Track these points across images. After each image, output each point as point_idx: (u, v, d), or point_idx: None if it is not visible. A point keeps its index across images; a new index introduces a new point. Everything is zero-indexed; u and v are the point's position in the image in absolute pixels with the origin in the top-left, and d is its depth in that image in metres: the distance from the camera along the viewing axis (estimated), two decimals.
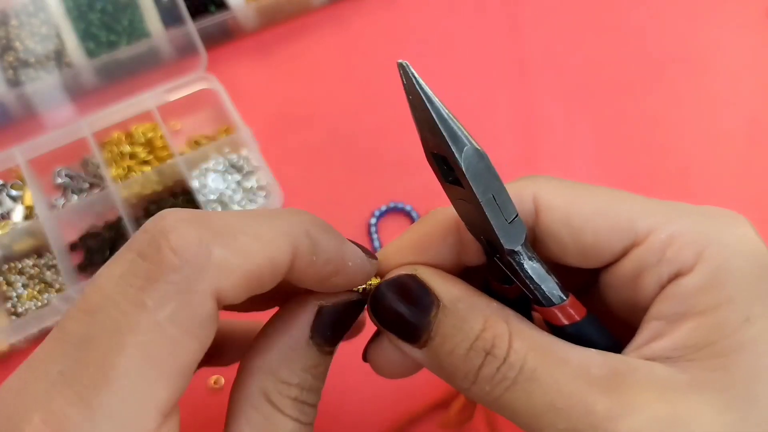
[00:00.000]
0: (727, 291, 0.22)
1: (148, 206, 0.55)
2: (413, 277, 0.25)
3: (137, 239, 0.21)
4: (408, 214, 0.55)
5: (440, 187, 0.25)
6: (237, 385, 0.24)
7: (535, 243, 0.26)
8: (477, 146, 0.23)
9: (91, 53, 0.58)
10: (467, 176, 0.23)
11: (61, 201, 0.56)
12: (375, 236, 0.54)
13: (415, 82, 0.23)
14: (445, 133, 0.23)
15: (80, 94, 0.58)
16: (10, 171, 0.56)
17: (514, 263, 0.24)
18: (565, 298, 0.24)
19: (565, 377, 0.22)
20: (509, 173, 0.60)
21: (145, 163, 0.57)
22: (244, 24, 0.62)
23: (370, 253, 0.26)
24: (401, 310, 0.24)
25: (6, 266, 0.52)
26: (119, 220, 0.54)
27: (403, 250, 0.27)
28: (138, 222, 0.54)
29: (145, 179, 0.54)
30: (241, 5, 0.60)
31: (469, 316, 0.23)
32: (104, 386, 0.18)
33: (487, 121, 0.60)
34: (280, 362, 0.24)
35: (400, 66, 0.23)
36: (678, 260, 0.22)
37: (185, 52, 0.58)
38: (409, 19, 0.65)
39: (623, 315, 0.26)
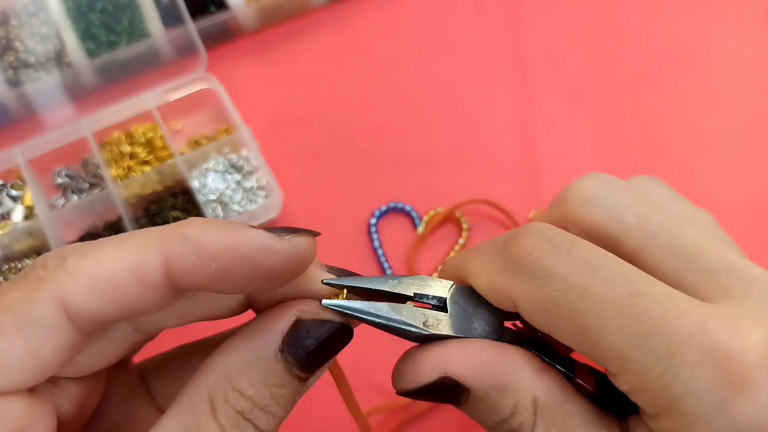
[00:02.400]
0: None
1: (148, 206, 0.55)
2: (445, 379, 0.24)
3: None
4: (408, 214, 0.55)
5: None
6: (188, 383, 0.22)
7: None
8: (421, 330, 0.24)
9: (91, 53, 0.58)
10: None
11: (61, 201, 0.56)
12: (375, 236, 0.54)
13: (350, 315, 0.24)
14: (397, 334, 0.24)
15: (80, 94, 0.58)
16: (10, 171, 0.56)
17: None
18: (571, 375, 0.25)
19: None
20: (509, 173, 0.60)
21: (145, 163, 0.57)
22: (244, 24, 0.62)
23: (301, 231, 0.22)
24: (438, 399, 0.25)
25: (6, 266, 0.52)
26: (119, 220, 0.54)
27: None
28: (138, 222, 0.54)
29: (145, 179, 0.54)
30: (241, 5, 0.60)
31: (499, 401, 0.24)
32: None
33: (487, 121, 0.60)
34: (240, 367, 0.22)
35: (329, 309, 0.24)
36: (642, 406, 0.22)
37: (185, 52, 0.58)
38: (409, 19, 0.65)
39: None
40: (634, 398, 0.22)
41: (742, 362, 0.20)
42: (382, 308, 0.24)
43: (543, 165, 0.58)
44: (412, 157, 0.58)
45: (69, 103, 0.57)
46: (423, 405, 0.48)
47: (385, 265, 0.53)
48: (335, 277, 0.25)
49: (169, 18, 0.59)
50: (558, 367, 0.25)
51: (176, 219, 0.53)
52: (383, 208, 0.55)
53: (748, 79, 0.62)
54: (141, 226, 0.53)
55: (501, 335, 0.25)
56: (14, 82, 0.56)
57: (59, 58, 0.57)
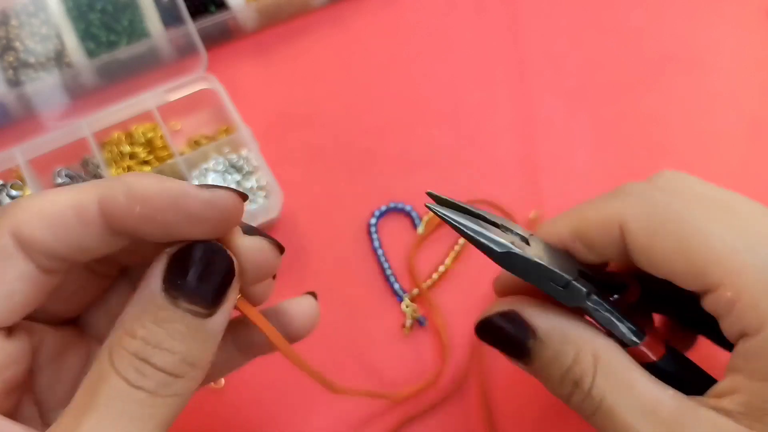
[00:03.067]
0: None
1: None
2: (512, 312, 0.28)
3: None
4: (408, 214, 0.55)
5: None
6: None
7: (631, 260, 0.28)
8: (506, 247, 0.26)
9: (91, 53, 0.58)
10: (509, 272, 0.27)
11: None
12: (375, 236, 0.54)
13: (442, 217, 0.27)
14: (476, 245, 0.27)
15: (80, 94, 0.58)
16: (10, 171, 0.56)
17: (584, 312, 0.27)
18: (637, 341, 0.27)
19: (635, 416, 0.25)
20: (509, 173, 0.60)
21: (145, 163, 0.57)
22: (244, 24, 0.62)
23: (218, 188, 0.24)
24: (503, 340, 0.28)
25: None
26: None
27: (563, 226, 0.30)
28: None
29: None
30: (241, 5, 0.60)
31: (562, 349, 0.26)
32: None
33: (487, 121, 0.60)
34: (132, 315, 0.22)
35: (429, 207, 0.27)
36: (742, 321, 0.23)
37: (185, 52, 0.58)
38: (409, 19, 0.65)
39: None
40: (735, 312, 0.23)
41: None
42: (475, 223, 0.27)
43: (543, 165, 0.58)
44: (412, 157, 0.58)
45: (69, 103, 0.57)
46: (423, 401, 0.48)
47: (385, 265, 0.53)
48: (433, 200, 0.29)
49: (169, 18, 0.59)
50: (629, 324, 0.27)
51: None
52: (383, 208, 0.55)
53: (748, 79, 0.62)
54: None
55: (576, 278, 0.27)
56: (14, 82, 0.56)
57: (59, 58, 0.57)
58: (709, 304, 0.24)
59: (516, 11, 0.65)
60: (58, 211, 0.22)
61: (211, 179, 0.55)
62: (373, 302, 0.52)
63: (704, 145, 0.59)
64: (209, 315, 0.22)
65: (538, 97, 0.61)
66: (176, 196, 0.22)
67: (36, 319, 0.26)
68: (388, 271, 0.52)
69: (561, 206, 0.57)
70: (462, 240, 0.54)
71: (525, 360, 0.28)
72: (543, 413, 0.48)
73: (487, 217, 0.28)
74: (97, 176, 0.56)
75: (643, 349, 0.27)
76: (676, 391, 0.25)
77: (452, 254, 0.53)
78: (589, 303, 0.27)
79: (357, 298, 0.52)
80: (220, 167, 0.55)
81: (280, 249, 0.27)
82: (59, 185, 0.56)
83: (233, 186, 0.55)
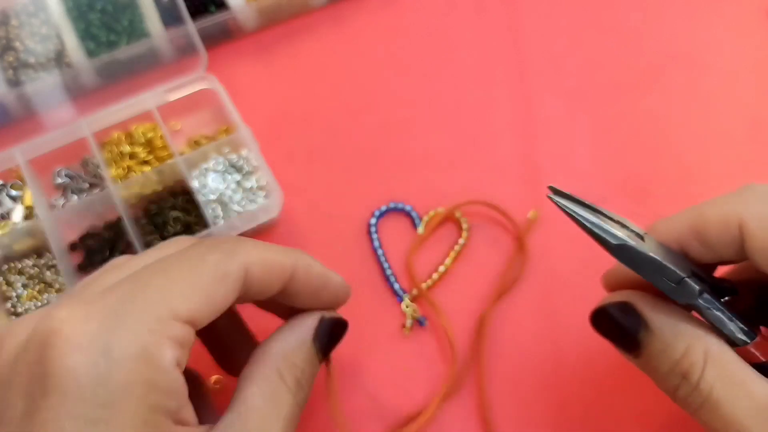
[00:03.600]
0: None
1: (148, 206, 0.55)
2: (626, 304, 0.29)
3: None
4: (408, 214, 0.55)
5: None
6: (251, 364, 0.32)
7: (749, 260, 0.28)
8: (622, 240, 0.27)
9: (91, 53, 0.58)
10: (625, 266, 0.28)
11: (61, 201, 0.56)
12: (375, 236, 0.54)
13: (563, 208, 0.28)
14: (594, 237, 0.28)
15: (80, 94, 0.58)
16: (10, 171, 0.56)
17: (694, 309, 0.28)
18: (748, 340, 0.27)
19: (744, 411, 0.25)
20: (509, 173, 0.60)
21: (145, 163, 0.57)
22: (244, 24, 0.62)
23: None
24: (616, 329, 0.30)
25: (6, 266, 0.52)
26: (119, 220, 0.54)
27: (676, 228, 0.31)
28: (138, 222, 0.54)
29: (145, 179, 0.54)
30: (241, 5, 0.60)
31: (672, 342, 0.27)
32: (159, 275, 0.28)
33: (487, 121, 0.60)
34: (291, 350, 0.32)
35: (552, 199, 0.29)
36: None
37: (185, 52, 0.58)
38: (409, 19, 0.65)
39: None
40: None
41: None
42: (594, 216, 0.28)
43: (543, 165, 0.58)
44: (412, 157, 0.58)
45: (69, 103, 0.57)
46: (421, 402, 0.47)
47: (385, 265, 0.53)
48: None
49: (169, 18, 0.59)
50: (739, 324, 0.27)
51: (176, 219, 0.53)
52: (383, 208, 0.55)
53: (748, 79, 0.62)
54: (141, 227, 0.53)
55: (689, 276, 0.28)
56: (14, 82, 0.56)
57: (59, 58, 0.57)
58: None
59: (516, 11, 0.65)
60: (270, 261, 0.31)
61: (211, 179, 0.55)
62: (373, 302, 0.52)
63: (704, 145, 0.59)
64: (322, 360, 0.35)
65: (538, 97, 0.61)
66: (341, 281, 0.36)
67: None
68: (388, 272, 0.53)
69: None
70: (462, 240, 0.54)
71: (635, 351, 0.29)
72: (542, 414, 0.48)
73: (606, 213, 0.29)
74: (97, 176, 0.56)
75: (752, 349, 0.27)
76: None
77: (452, 254, 0.53)
78: (700, 301, 0.27)
79: (357, 298, 0.52)
80: (220, 167, 0.55)
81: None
82: (59, 185, 0.56)
83: (233, 186, 0.55)
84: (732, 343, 0.28)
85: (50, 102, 0.57)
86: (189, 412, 0.28)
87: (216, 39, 0.61)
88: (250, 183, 0.55)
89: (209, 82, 0.58)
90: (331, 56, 0.63)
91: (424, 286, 0.52)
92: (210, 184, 0.55)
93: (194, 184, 0.54)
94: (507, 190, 0.56)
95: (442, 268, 0.52)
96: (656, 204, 0.56)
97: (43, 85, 0.56)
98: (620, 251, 0.27)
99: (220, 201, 0.54)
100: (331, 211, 0.56)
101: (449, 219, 0.55)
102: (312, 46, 0.63)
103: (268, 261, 0.31)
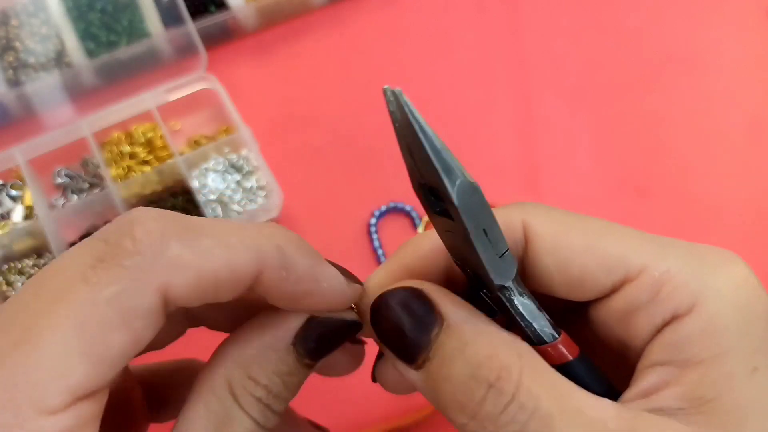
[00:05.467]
0: (727, 340, 0.21)
1: (148, 206, 0.55)
2: (418, 291, 0.23)
3: (105, 228, 0.21)
4: (408, 214, 0.55)
5: None
6: (205, 371, 0.23)
7: (523, 273, 0.24)
8: (471, 179, 0.21)
9: (91, 53, 0.58)
10: (459, 209, 0.21)
11: (61, 201, 0.56)
12: (375, 236, 0.54)
13: (407, 110, 0.22)
14: (437, 165, 0.21)
15: (80, 94, 0.58)
16: (10, 171, 0.56)
17: (503, 299, 0.23)
18: (557, 335, 0.23)
19: (580, 429, 0.20)
20: (509, 173, 0.60)
21: (145, 163, 0.57)
22: (244, 24, 0.62)
23: (353, 277, 0.25)
24: (400, 323, 0.23)
25: (6, 266, 0.52)
26: None
27: (390, 277, 0.25)
28: None
29: (145, 179, 0.54)
30: (241, 5, 0.60)
31: (474, 340, 0.21)
32: (21, 346, 0.18)
33: (487, 121, 0.60)
34: (254, 358, 0.23)
35: (388, 92, 0.22)
36: (673, 302, 0.21)
37: (185, 52, 0.58)
38: (409, 19, 0.65)
39: (612, 350, 0.24)
40: (662, 294, 0.21)
41: None
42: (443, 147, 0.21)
43: (543, 165, 0.58)
44: None
45: (69, 103, 0.57)
46: (418, 403, 0.47)
47: None
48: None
49: (169, 18, 0.59)
50: (548, 317, 0.23)
51: None
52: (383, 208, 0.55)
53: (748, 79, 0.62)
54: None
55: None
56: (14, 82, 0.56)
57: (59, 58, 0.57)
58: (619, 299, 0.22)
59: (516, 11, 0.65)
60: (213, 272, 0.20)
61: (211, 179, 0.55)
62: None
63: (704, 145, 0.59)
64: (313, 366, 0.24)
65: (538, 97, 0.61)
66: (339, 285, 0.23)
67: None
68: None
69: (560, 206, 0.57)
70: None
71: (422, 356, 0.22)
72: None
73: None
74: (97, 176, 0.56)
75: (561, 347, 0.23)
76: (611, 401, 0.21)
77: None
78: (512, 283, 0.22)
79: None
80: (220, 167, 0.55)
81: (357, 281, 0.26)
82: (59, 185, 0.56)
83: (233, 186, 0.55)
84: (530, 340, 0.23)
85: (50, 102, 0.57)
86: None
87: (216, 39, 0.61)
88: (250, 183, 0.55)
89: (209, 82, 0.58)
90: (331, 56, 0.63)
91: None
92: (210, 184, 0.55)
93: (194, 184, 0.54)
94: (507, 190, 0.56)
95: None
96: (656, 204, 0.56)
97: (43, 85, 0.56)
98: (472, 192, 0.21)
99: (220, 201, 0.54)
100: (331, 211, 0.56)
101: None
102: (312, 46, 0.63)
103: (206, 272, 0.20)
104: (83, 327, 0.19)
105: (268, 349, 0.23)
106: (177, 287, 0.20)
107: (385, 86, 0.21)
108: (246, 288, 0.21)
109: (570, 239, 0.23)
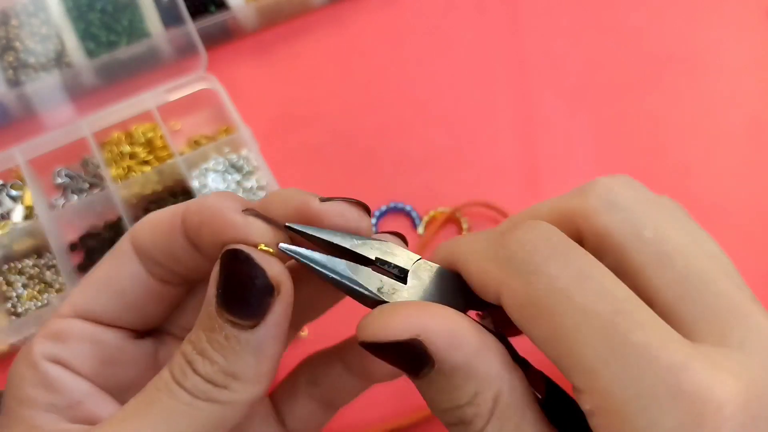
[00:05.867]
0: None
1: (148, 206, 0.55)
2: (415, 342, 0.22)
3: None
4: (408, 214, 0.55)
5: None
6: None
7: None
8: (377, 297, 0.24)
9: (91, 53, 0.58)
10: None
11: (61, 201, 0.56)
12: None
13: (306, 262, 0.23)
14: (348, 293, 0.24)
15: (80, 94, 0.58)
16: (10, 171, 0.56)
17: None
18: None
19: None
20: (509, 173, 0.60)
21: (145, 163, 0.57)
22: (244, 24, 0.62)
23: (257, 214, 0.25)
24: (398, 364, 0.23)
25: (6, 266, 0.52)
26: (119, 220, 0.54)
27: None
28: None
29: (145, 179, 0.54)
30: (241, 5, 0.60)
31: (460, 386, 0.22)
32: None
33: (487, 121, 0.60)
34: (197, 320, 0.23)
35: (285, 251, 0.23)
36: (598, 430, 0.21)
37: (185, 52, 0.58)
38: (409, 19, 0.65)
39: None
40: (594, 422, 0.20)
41: (716, 411, 0.18)
42: (338, 264, 0.23)
43: (543, 165, 0.58)
44: (412, 157, 0.58)
45: (69, 103, 0.57)
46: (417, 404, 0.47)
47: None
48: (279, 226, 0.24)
49: (169, 18, 0.59)
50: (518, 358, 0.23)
51: None
52: (383, 208, 0.55)
53: (748, 79, 0.62)
54: None
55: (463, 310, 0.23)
56: (14, 82, 0.56)
57: (59, 58, 0.57)
58: (574, 394, 0.22)
59: (516, 11, 0.65)
60: (158, 221, 0.25)
61: (211, 179, 0.55)
62: None
63: (704, 145, 0.59)
64: (250, 327, 0.22)
65: (538, 97, 0.61)
66: (214, 210, 0.24)
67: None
68: None
69: None
70: None
71: (417, 376, 0.23)
72: None
73: (360, 250, 0.24)
74: (97, 176, 0.56)
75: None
76: None
77: None
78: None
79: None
80: (220, 167, 0.55)
81: (364, 208, 0.26)
82: (59, 185, 0.56)
83: (233, 186, 0.55)
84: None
85: (50, 102, 0.57)
86: (95, 409, 0.25)
87: (216, 39, 0.61)
88: (250, 183, 0.55)
89: (209, 82, 0.58)
90: (331, 56, 0.63)
91: None
92: (210, 184, 0.55)
93: (194, 184, 0.54)
94: (507, 190, 0.56)
95: None
96: None
97: (43, 85, 0.56)
98: (374, 306, 0.23)
99: None
100: None
101: (449, 219, 0.55)
102: (312, 46, 0.63)
103: (152, 219, 0.26)
104: (97, 268, 0.27)
105: (203, 307, 0.23)
106: (139, 233, 0.26)
107: (282, 246, 0.23)
108: (185, 236, 0.25)
109: (534, 327, 0.22)
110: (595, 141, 0.59)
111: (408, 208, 0.55)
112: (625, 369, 0.20)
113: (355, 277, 0.23)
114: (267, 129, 0.58)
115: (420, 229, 0.54)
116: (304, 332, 0.50)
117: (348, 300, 0.27)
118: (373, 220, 0.55)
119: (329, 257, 0.23)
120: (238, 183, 0.55)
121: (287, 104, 0.60)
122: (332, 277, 0.23)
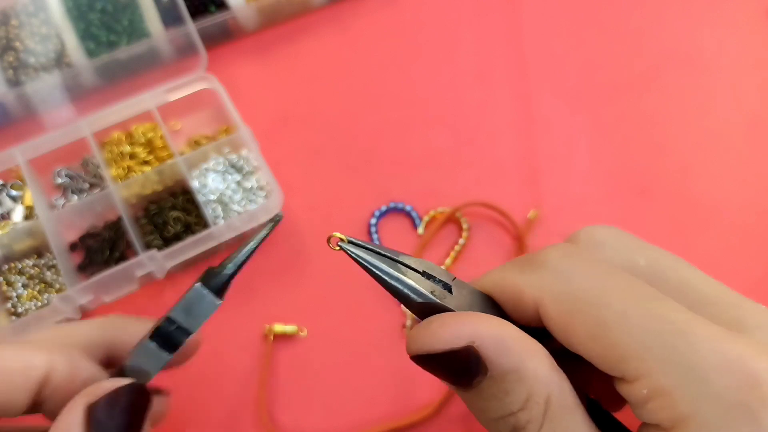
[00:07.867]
0: None
1: (148, 206, 0.55)
2: (470, 350, 0.23)
3: None
4: (408, 214, 0.55)
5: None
6: None
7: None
8: (424, 296, 0.24)
9: (91, 53, 0.58)
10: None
11: (61, 201, 0.56)
12: (375, 236, 0.54)
13: (355, 258, 0.26)
14: (393, 294, 0.25)
15: (80, 94, 0.58)
16: (10, 171, 0.56)
17: None
18: None
19: None
20: (509, 173, 0.60)
21: (145, 163, 0.57)
22: (244, 24, 0.62)
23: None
24: (449, 375, 0.24)
25: (6, 266, 0.52)
26: (119, 220, 0.54)
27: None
28: (138, 222, 0.54)
29: (145, 179, 0.54)
30: (241, 5, 0.60)
31: (512, 390, 0.23)
32: None
33: (487, 121, 0.60)
34: None
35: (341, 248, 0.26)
36: (656, 417, 0.22)
37: (185, 52, 0.58)
38: (409, 19, 0.65)
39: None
40: (649, 407, 0.21)
41: (765, 371, 0.20)
42: (391, 268, 0.25)
43: (543, 165, 0.58)
44: (412, 157, 0.58)
45: (69, 103, 0.57)
46: (417, 404, 0.47)
47: None
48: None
49: (169, 18, 0.59)
50: None
51: (176, 219, 0.53)
52: (383, 208, 0.55)
53: (748, 79, 0.62)
54: (141, 226, 0.53)
55: None
56: (14, 82, 0.56)
57: (59, 58, 0.57)
58: (623, 390, 0.22)
59: (516, 11, 0.65)
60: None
61: (211, 179, 0.55)
62: (373, 302, 0.52)
63: (704, 145, 0.59)
64: None
65: (538, 97, 0.61)
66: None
67: None
68: None
69: (560, 206, 0.57)
70: (462, 240, 0.54)
71: (461, 387, 0.24)
72: None
73: (406, 262, 0.26)
74: (97, 176, 0.56)
75: None
76: None
77: (452, 254, 0.53)
78: None
79: (357, 298, 0.52)
80: (220, 167, 0.55)
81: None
82: (59, 185, 0.56)
83: (233, 186, 0.55)
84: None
85: (50, 102, 0.57)
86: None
87: (216, 39, 0.61)
88: (250, 183, 0.55)
89: (209, 82, 0.58)
90: (331, 56, 0.63)
91: None
92: (210, 184, 0.55)
93: (194, 184, 0.54)
94: (507, 190, 0.56)
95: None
96: (656, 204, 0.56)
97: (43, 85, 0.56)
98: (424, 310, 0.24)
99: (220, 201, 0.54)
100: (331, 211, 0.56)
101: (449, 219, 0.55)
102: (312, 46, 0.63)
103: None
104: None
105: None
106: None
107: (341, 243, 0.26)
108: (34, 392, 0.26)
109: (577, 327, 0.23)
110: (595, 141, 0.59)
111: (408, 208, 0.55)
112: (675, 348, 0.21)
113: (409, 281, 0.25)
114: (267, 129, 0.58)
115: (420, 229, 0.54)
116: (304, 332, 0.50)
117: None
118: (373, 220, 0.55)
119: (382, 259, 0.25)
120: (238, 183, 0.55)
121: (287, 104, 0.60)
122: (387, 280, 0.25)
